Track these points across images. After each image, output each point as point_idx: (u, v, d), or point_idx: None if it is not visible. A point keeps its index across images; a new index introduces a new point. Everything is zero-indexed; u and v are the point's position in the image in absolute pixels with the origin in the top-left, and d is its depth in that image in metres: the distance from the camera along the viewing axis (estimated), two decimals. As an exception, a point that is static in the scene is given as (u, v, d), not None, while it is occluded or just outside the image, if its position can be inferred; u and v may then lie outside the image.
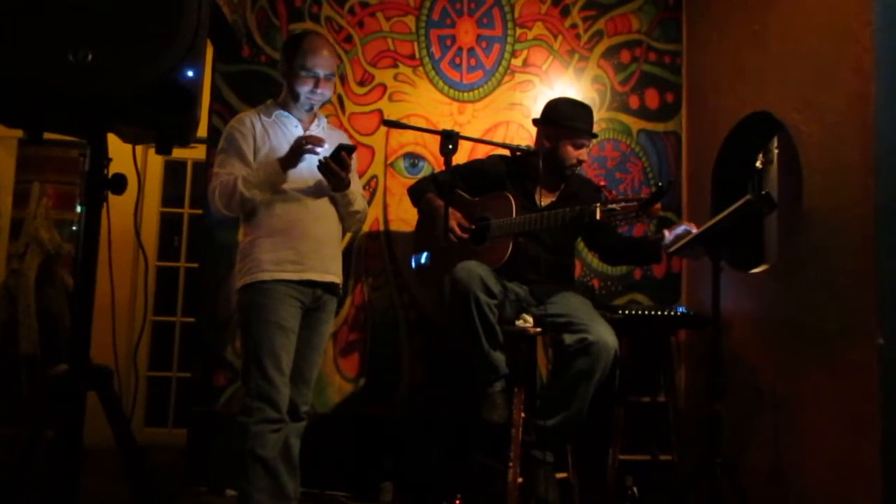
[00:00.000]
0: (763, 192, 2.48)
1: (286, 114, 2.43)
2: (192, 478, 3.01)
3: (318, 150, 2.28)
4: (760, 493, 2.56)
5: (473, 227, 2.65)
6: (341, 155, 2.27)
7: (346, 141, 2.48)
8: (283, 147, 2.34)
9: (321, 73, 2.36)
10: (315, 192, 2.38)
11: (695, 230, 2.49)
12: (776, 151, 3.14)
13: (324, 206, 2.40)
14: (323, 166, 2.28)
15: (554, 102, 2.74)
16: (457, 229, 2.60)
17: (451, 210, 2.52)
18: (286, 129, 2.41)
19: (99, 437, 1.53)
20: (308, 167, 2.32)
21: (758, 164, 3.20)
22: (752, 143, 3.07)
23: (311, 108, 2.44)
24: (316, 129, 2.47)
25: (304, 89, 2.37)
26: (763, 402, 2.63)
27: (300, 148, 2.26)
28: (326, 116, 2.64)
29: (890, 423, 2.04)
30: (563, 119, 2.64)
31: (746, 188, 3.16)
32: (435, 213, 2.70)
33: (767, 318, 2.69)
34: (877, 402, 2.06)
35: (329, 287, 2.41)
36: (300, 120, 2.44)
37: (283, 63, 2.42)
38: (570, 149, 2.63)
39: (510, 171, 2.72)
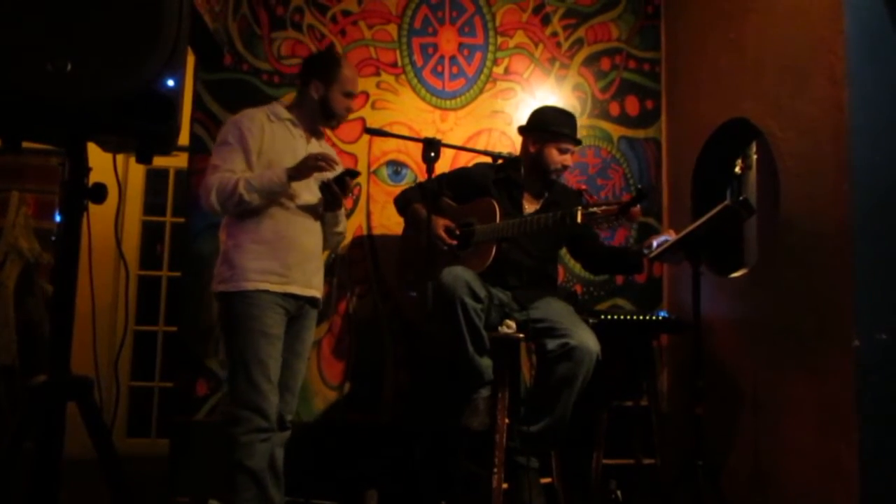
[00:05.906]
0: (741, 198, 2.52)
1: (294, 122, 2.43)
2: (174, 488, 2.98)
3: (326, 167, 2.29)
4: (741, 495, 2.59)
5: (459, 232, 2.66)
6: (346, 180, 2.31)
7: (334, 156, 2.48)
8: (285, 155, 2.33)
9: (355, 94, 2.50)
10: (308, 207, 2.38)
11: (673, 238, 2.52)
12: (755, 157, 3.19)
13: (311, 220, 2.41)
14: (325, 187, 2.31)
15: (539, 109, 2.80)
16: (444, 237, 2.61)
17: (437, 217, 2.54)
18: (291, 138, 2.41)
19: (80, 447, 1.51)
20: (306, 182, 2.33)
21: (737, 169, 3.24)
22: (731, 149, 3.11)
23: (337, 125, 2.56)
24: (316, 146, 2.48)
25: (342, 109, 2.45)
26: (743, 404, 2.66)
27: (314, 165, 2.26)
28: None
29: (866, 424, 2.07)
30: (547, 124, 2.69)
31: (726, 193, 3.20)
32: (421, 223, 2.71)
33: (747, 322, 2.72)
34: (853, 404, 2.10)
35: (311, 301, 2.42)
36: (304, 132, 2.45)
37: (320, 79, 2.42)
38: (554, 153, 2.67)
39: (496, 178, 2.74)
